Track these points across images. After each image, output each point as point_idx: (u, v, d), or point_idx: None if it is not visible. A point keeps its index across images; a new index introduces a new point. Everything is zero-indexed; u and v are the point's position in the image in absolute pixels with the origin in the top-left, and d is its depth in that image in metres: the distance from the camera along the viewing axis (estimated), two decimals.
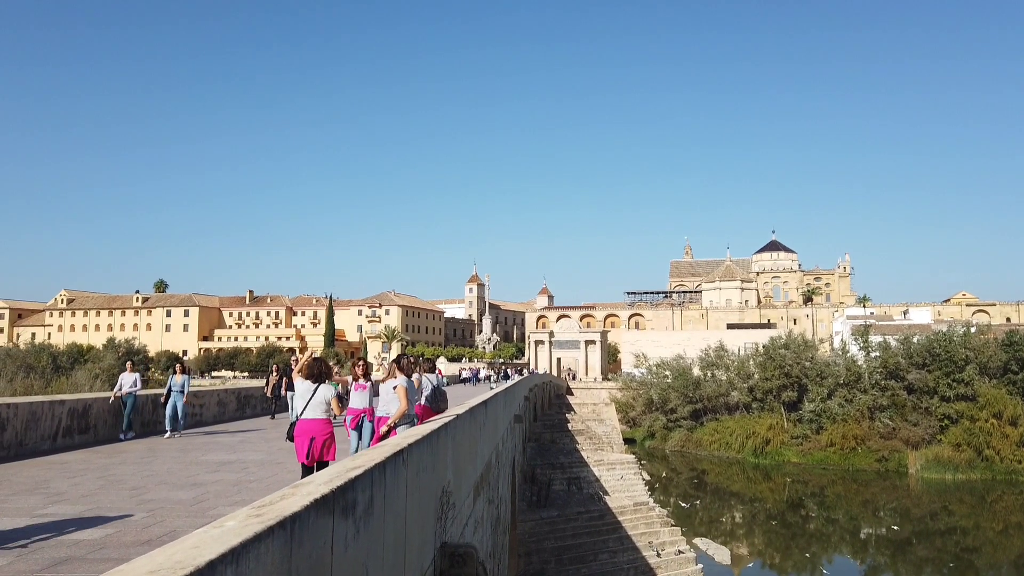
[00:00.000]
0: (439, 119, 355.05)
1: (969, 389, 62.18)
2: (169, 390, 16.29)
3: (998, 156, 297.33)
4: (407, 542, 5.22)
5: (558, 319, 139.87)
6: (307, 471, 8.89)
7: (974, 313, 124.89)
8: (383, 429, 9.51)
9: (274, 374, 21.10)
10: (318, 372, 9.40)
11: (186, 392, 16.40)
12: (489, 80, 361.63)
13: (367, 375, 11.99)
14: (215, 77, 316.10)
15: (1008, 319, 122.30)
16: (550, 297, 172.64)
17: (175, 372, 16.76)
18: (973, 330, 72.57)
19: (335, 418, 9.57)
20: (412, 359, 11.01)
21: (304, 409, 9.12)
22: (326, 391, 9.23)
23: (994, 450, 57.48)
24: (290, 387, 18.74)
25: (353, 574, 3.81)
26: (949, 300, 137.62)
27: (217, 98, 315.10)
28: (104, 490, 9.14)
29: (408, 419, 9.76)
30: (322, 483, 3.67)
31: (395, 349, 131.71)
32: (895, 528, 45.74)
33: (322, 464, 8.84)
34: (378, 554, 4.36)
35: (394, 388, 9.86)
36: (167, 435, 15.66)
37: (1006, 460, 57.14)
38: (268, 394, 21.07)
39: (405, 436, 6.30)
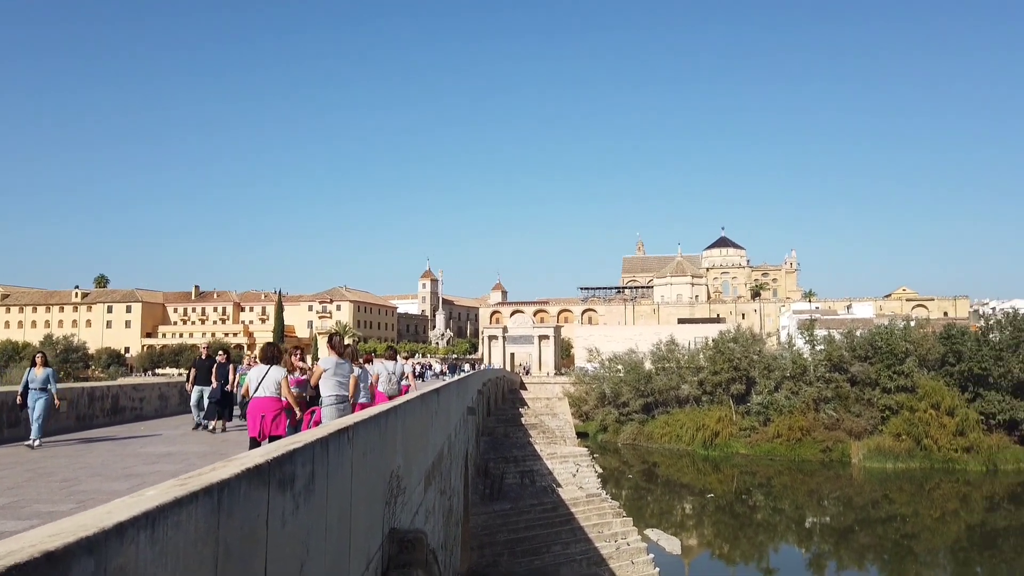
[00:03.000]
0: (390, 113, 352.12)
1: (909, 381, 64.15)
2: (26, 387, 12.72)
3: (938, 154, 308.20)
4: (353, 524, 4.98)
5: (512, 314, 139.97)
6: (256, 447, 9.45)
7: (914, 308, 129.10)
8: (302, 412, 10.27)
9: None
10: (270, 355, 10.52)
11: (52, 389, 12.78)
12: (440, 75, 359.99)
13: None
14: (163, 68, 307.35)
15: (945, 313, 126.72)
16: (504, 293, 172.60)
17: (34, 364, 13.10)
18: (913, 324, 74.94)
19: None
20: (351, 347, 11.38)
21: (257, 388, 10.13)
22: (277, 372, 10.24)
23: (932, 440, 59.38)
24: (198, 381, 16.22)
25: (292, 552, 3.57)
26: (890, 295, 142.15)
27: (159, 89, 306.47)
28: (32, 482, 8.66)
29: (338, 399, 10.15)
30: (258, 455, 3.43)
31: None
32: (839, 516, 46.95)
33: (273, 439, 9.58)
34: (320, 534, 4.12)
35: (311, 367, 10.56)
36: (30, 443, 12.13)
37: (943, 449, 59.09)
38: (188, 390, 17.42)
39: (351, 416, 6.05)
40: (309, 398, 11.20)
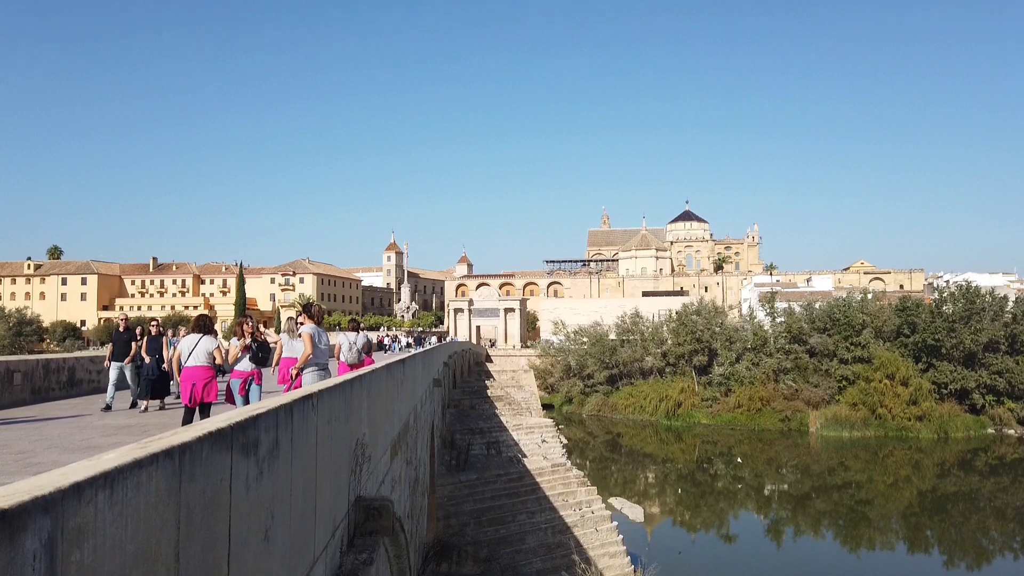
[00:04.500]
0: (354, 83, 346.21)
1: (865, 352, 65.79)
2: None
3: (896, 131, 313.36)
4: (319, 490, 4.96)
5: (477, 287, 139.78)
6: (191, 415, 10.13)
7: (871, 280, 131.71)
8: (292, 371, 10.27)
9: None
10: (202, 325, 10.71)
11: None
12: (405, 45, 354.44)
13: (253, 336, 11.65)
14: (118, 30, 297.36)
15: (901, 286, 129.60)
16: (469, 265, 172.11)
17: None
18: (870, 296, 76.71)
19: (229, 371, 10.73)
20: (321, 309, 11.53)
21: (188, 357, 10.24)
22: (208, 343, 10.40)
23: (887, 409, 61.12)
24: (116, 357, 14.40)
25: (257, 517, 3.54)
26: (848, 268, 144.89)
27: (116, 52, 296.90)
28: None
29: (319, 366, 10.20)
30: (221, 420, 3.37)
31: None
32: (796, 483, 48.18)
33: (204, 406, 10.12)
34: (285, 500, 4.08)
35: (299, 335, 10.51)
36: None
37: (897, 418, 60.90)
38: (106, 366, 14.92)
39: (316, 384, 6.00)
40: (260, 366, 11.49)
